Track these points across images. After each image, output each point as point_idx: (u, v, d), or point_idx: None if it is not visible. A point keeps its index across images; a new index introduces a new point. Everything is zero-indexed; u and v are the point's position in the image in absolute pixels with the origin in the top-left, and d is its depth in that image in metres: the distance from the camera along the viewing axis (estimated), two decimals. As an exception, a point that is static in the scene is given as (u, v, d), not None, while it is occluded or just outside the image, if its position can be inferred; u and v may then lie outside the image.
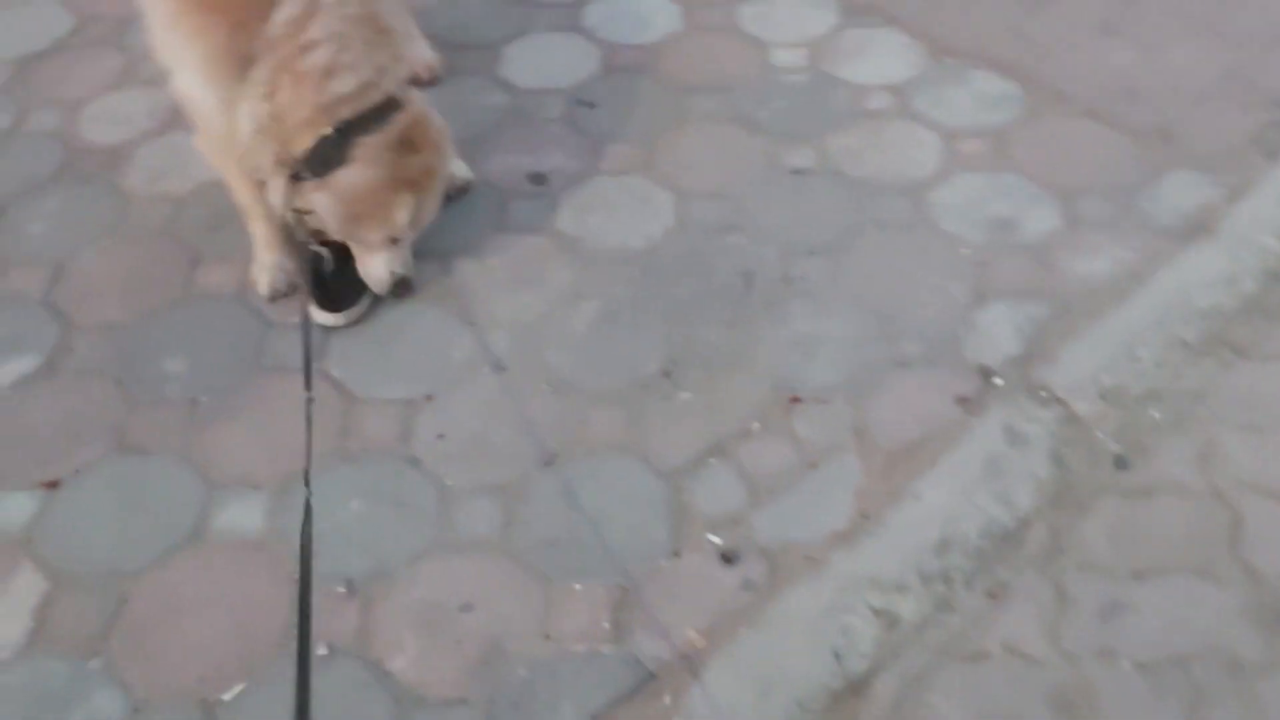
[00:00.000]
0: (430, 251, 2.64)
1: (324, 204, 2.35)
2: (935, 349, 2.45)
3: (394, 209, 2.38)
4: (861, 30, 3.28)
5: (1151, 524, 2.17)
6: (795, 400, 2.37)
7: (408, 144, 2.36)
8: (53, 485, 2.26)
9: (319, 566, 2.09)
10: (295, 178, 2.35)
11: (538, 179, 2.88)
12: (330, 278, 2.53)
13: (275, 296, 2.58)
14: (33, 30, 3.41)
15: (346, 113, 2.29)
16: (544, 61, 3.23)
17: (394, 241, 2.45)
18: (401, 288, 2.53)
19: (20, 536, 2.18)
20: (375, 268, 2.48)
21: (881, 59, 3.17)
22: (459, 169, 2.80)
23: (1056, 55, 3.14)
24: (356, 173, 2.32)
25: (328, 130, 2.29)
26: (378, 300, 2.57)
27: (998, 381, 2.38)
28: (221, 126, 2.38)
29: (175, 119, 3.07)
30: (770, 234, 2.71)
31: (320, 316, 2.50)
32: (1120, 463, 2.26)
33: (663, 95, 3.10)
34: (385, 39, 2.35)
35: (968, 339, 2.46)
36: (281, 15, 2.23)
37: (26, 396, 2.43)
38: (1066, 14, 3.28)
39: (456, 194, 2.78)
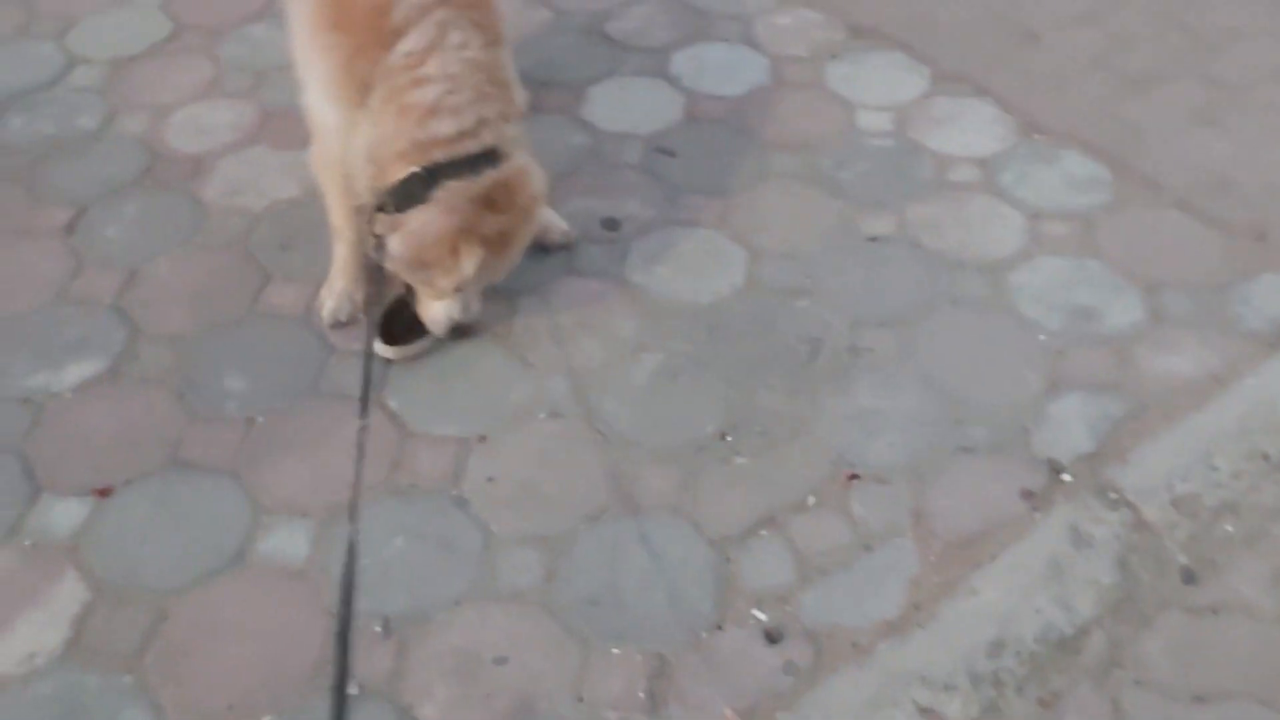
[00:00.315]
0: (497, 291, 2.62)
1: (394, 242, 2.34)
2: (1003, 437, 2.38)
3: (461, 261, 2.33)
4: (951, 99, 3.23)
5: (1216, 644, 2.07)
6: (854, 477, 2.31)
7: (491, 200, 2.32)
8: (104, 493, 2.27)
9: (357, 602, 2.08)
10: (380, 209, 2.34)
11: (611, 224, 2.86)
12: (397, 311, 2.52)
13: (336, 324, 2.58)
14: (130, 33, 3.48)
15: (440, 155, 2.28)
16: (627, 105, 3.22)
17: (458, 290, 2.43)
18: (459, 333, 2.51)
19: (68, 543, 2.19)
20: (435, 311, 2.46)
21: (970, 130, 3.12)
22: (555, 223, 2.76)
23: (1151, 142, 3.06)
24: (430, 216, 2.30)
25: (417, 168, 2.28)
26: (440, 340, 2.55)
27: (1066, 478, 2.30)
28: (336, 146, 2.41)
29: (258, 133, 3.13)
30: (841, 301, 2.66)
31: (380, 348, 2.49)
32: (1188, 576, 2.17)
33: (744, 149, 3.08)
34: (499, 91, 2.35)
35: (1038, 430, 2.39)
36: (404, 46, 2.24)
37: (88, 400, 2.45)
38: (1165, 100, 3.20)
39: (554, 248, 2.76)
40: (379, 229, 2.36)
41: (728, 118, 3.18)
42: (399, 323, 2.52)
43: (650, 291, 2.69)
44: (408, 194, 2.30)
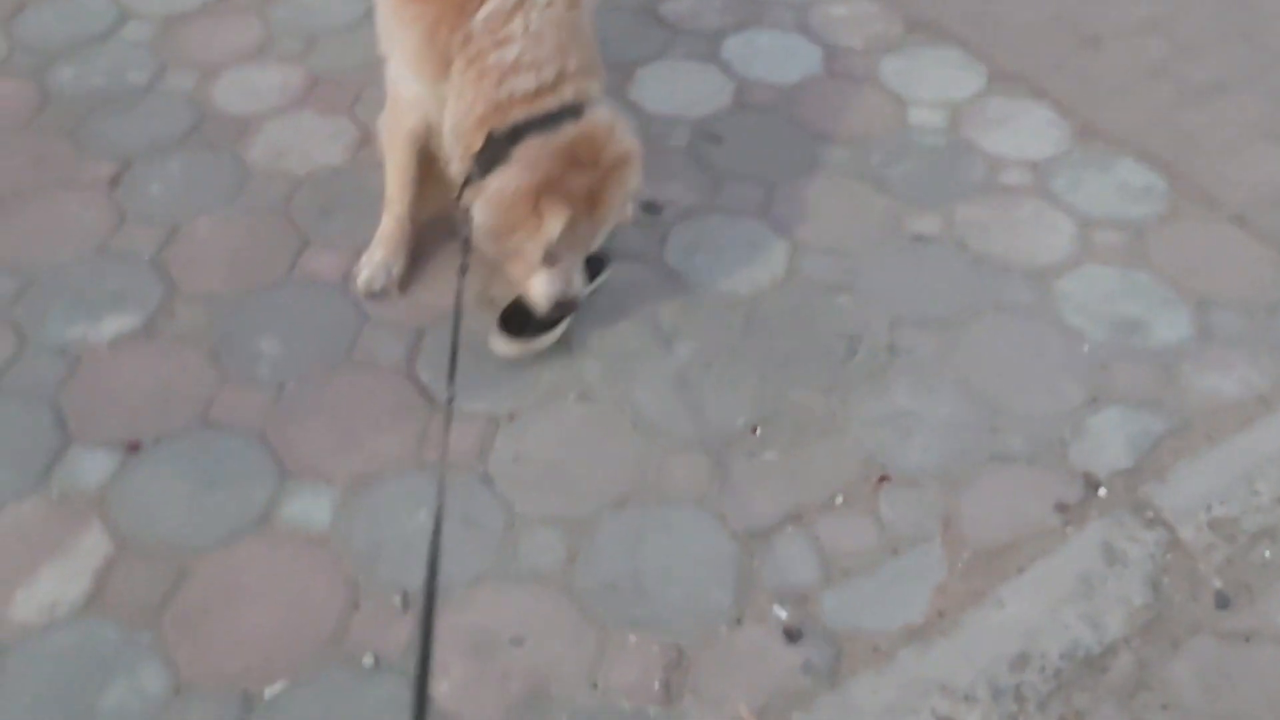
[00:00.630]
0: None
1: (477, 210, 2.23)
2: (1040, 448, 2.33)
3: (545, 220, 2.19)
4: (1007, 99, 3.16)
5: (1247, 672, 2.02)
6: (884, 479, 2.28)
7: (575, 155, 2.19)
8: (134, 448, 2.27)
9: (378, 574, 2.09)
10: (469, 181, 2.25)
11: (652, 208, 2.83)
12: (517, 308, 2.43)
13: (370, 293, 2.57)
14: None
15: (519, 114, 2.19)
16: (676, 89, 3.18)
17: (552, 261, 2.28)
18: (563, 310, 2.37)
19: (95, 495, 2.19)
20: (535, 288, 2.33)
21: (1024, 132, 3.05)
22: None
23: (1209, 154, 2.98)
24: (510, 175, 2.18)
25: (498, 129, 2.19)
26: (553, 330, 2.45)
27: (1102, 493, 2.25)
28: (410, 117, 2.38)
29: (305, 97, 3.12)
30: (881, 300, 2.61)
31: (497, 342, 2.42)
32: (1222, 600, 2.12)
33: (792, 139, 3.03)
34: (582, 47, 2.25)
35: (1075, 442, 2.34)
36: (484, 11, 2.17)
37: (122, 355, 2.45)
38: (1226, 111, 3.12)
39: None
40: (466, 201, 2.27)
41: (777, 106, 3.14)
42: (517, 319, 2.43)
43: (688, 279, 2.66)
44: (490, 158, 2.19)
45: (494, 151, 2.20)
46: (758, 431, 2.35)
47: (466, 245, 2.29)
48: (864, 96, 3.18)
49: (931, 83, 3.22)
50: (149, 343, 2.48)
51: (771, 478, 2.28)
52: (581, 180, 2.20)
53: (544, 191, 2.18)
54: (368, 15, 3.26)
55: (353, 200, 2.77)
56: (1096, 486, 2.26)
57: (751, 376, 2.45)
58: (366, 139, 2.94)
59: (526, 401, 2.40)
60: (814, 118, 3.10)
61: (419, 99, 2.33)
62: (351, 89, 3.12)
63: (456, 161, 2.29)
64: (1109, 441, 2.34)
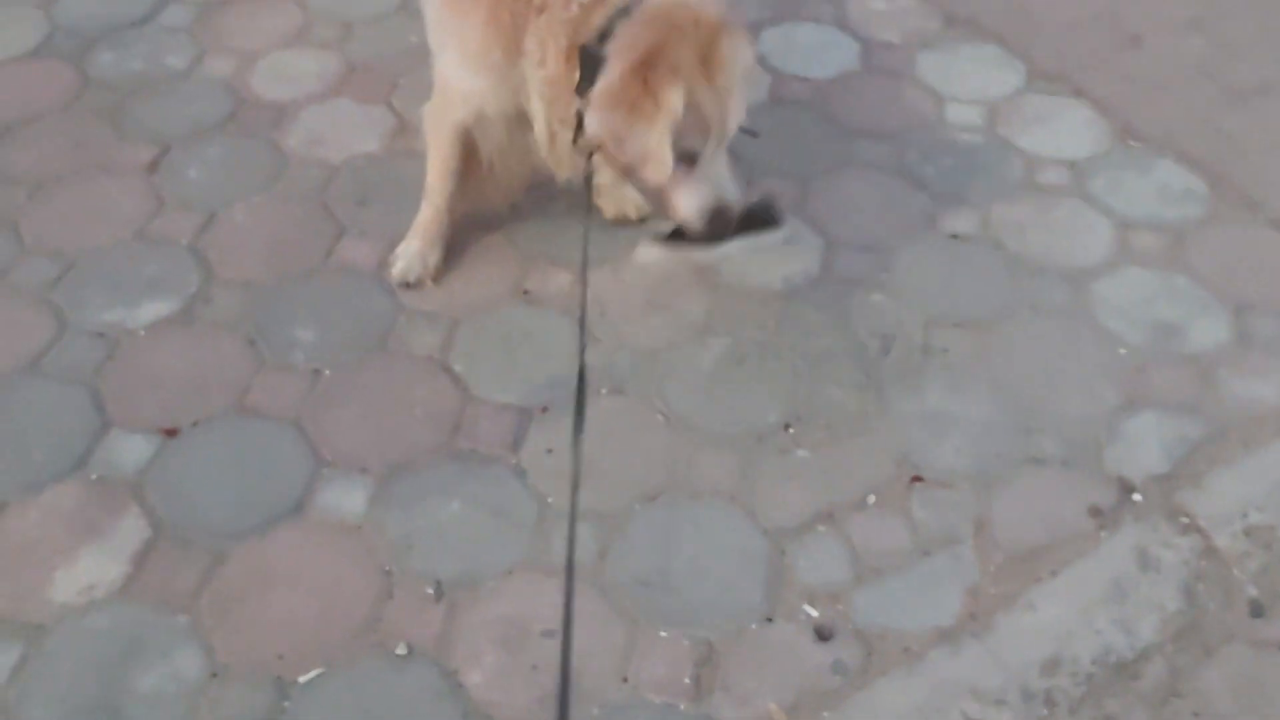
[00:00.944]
0: (566, 261, 2.62)
1: (594, 125, 2.06)
2: (1074, 451, 2.32)
3: (661, 98, 1.98)
4: (1046, 97, 3.14)
5: (1280, 682, 2.01)
6: (917, 479, 2.27)
7: (672, 21, 2.02)
8: (171, 433, 2.29)
9: (410, 563, 2.11)
10: (579, 126, 2.12)
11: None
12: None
13: (404, 284, 2.58)
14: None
15: (599, 20, 2.06)
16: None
17: (691, 163, 2.08)
18: (721, 222, 2.14)
19: (133, 479, 2.22)
20: (684, 202, 2.11)
21: (1063, 131, 3.03)
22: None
23: (1251, 157, 2.95)
24: (612, 67, 2.02)
25: (586, 42, 2.07)
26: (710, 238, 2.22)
27: (1136, 498, 2.24)
28: (459, 109, 2.36)
29: (342, 85, 3.14)
30: (916, 299, 2.60)
31: (646, 249, 2.28)
32: (1256, 609, 2.10)
33: (827, 134, 3.02)
34: None
35: (1111, 446, 2.33)
36: None
37: (160, 340, 2.47)
38: (1269, 114, 3.09)
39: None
40: (582, 148, 2.15)
41: (813, 101, 3.12)
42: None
43: (722, 273, 2.66)
44: (589, 72, 2.04)
45: (590, 64, 2.05)
46: (790, 429, 2.35)
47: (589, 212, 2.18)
48: (901, 92, 3.16)
49: (969, 79, 3.19)
50: (186, 328, 2.50)
51: (803, 475, 2.27)
52: (687, 48, 2.02)
53: (650, 66, 1.99)
54: (404, 4, 3.31)
55: (389, 189, 2.78)
56: (1131, 491, 2.25)
57: (784, 373, 2.45)
58: (403, 128, 2.95)
59: (559, 395, 2.40)
60: (850, 113, 3.09)
61: (474, 92, 2.31)
62: (388, 77, 3.13)
63: (564, 129, 2.17)
64: (1144, 446, 2.33)
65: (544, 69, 2.14)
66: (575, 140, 2.16)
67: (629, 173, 2.15)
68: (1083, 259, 2.70)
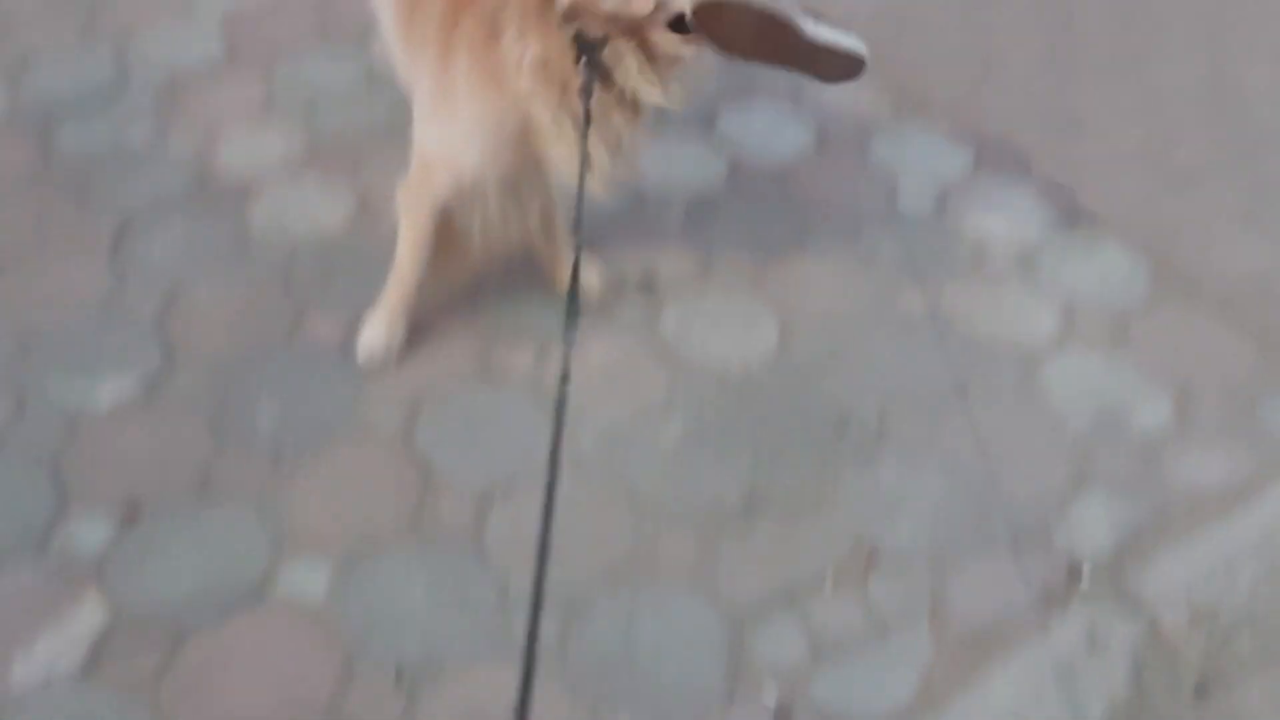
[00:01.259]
0: (528, 338, 2.65)
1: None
2: (1025, 531, 2.38)
3: None
4: (995, 179, 3.23)
5: (1225, 762, 2.07)
6: (873, 558, 2.32)
7: None
8: (131, 517, 2.29)
9: (372, 648, 2.11)
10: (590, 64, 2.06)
11: (647, 279, 2.87)
12: None
13: (371, 365, 2.59)
14: (186, 48, 3.49)
15: None
16: (670, 162, 3.23)
17: None
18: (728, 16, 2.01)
19: (92, 564, 2.21)
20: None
21: (1011, 214, 3.12)
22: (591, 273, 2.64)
23: (1192, 240, 3.06)
24: None
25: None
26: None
27: (1085, 578, 2.30)
28: (443, 181, 2.34)
29: (308, 160, 3.16)
30: (871, 379, 2.67)
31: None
32: (1200, 690, 2.16)
33: (783, 214, 3.09)
34: None
35: (1060, 526, 2.39)
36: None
37: (121, 419, 2.47)
38: (1210, 197, 3.20)
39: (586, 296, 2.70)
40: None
41: (771, 180, 3.20)
42: None
43: (682, 352, 2.71)
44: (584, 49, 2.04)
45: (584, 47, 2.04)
46: (749, 509, 2.39)
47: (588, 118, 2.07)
48: (854, 173, 3.24)
49: (920, 161, 3.27)
50: (148, 407, 2.50)
51: (762, 556, 2.31)
52: None
53: None
54: (370, 79, 3.35)
55: (353, 266, 2.81)
56: (1080, 572, 2.31)
57: (744, 453, 2.50)
58: (367, 205, 2.98)
59: (520, 475, 2.42)
60: (805, 193, 3.16)
61: (455, 154, 2.29)
62: (353, 153, 3.16)
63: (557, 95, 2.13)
64: (1092, 527, 2.39)
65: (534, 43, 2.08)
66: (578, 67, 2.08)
67: (618, 23, 2.04)
68: (1030, 341, 2.78)
